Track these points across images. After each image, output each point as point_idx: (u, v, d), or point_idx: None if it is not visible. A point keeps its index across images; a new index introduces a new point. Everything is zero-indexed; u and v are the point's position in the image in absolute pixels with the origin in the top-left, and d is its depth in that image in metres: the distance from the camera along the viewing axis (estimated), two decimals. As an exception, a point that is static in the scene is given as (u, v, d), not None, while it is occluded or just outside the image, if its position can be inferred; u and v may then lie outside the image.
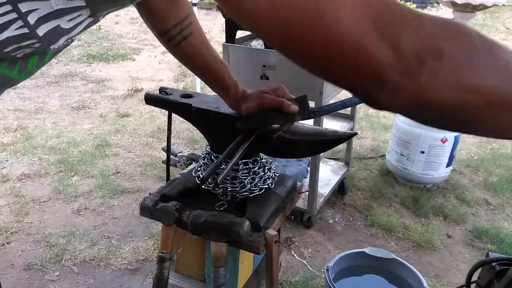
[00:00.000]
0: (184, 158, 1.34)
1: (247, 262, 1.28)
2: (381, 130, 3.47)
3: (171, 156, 1.31)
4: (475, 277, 1.27)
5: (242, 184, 1.03)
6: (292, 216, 2.33)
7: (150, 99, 1.09)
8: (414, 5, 7.63)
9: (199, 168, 1.10)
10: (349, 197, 2.58)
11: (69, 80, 4.49)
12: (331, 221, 2.39)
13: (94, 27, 6.75)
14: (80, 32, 0.56)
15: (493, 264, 1.21)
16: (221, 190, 1.04)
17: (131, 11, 7.49)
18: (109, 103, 3.93)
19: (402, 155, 2.61)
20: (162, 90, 1.09)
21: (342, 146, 2.75)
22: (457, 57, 0.35)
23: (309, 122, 1.06)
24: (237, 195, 1.04)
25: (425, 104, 0.36)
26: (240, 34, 2.10)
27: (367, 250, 1.60)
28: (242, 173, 1.02)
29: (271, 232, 1.00)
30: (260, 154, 1.06)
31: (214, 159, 1.04)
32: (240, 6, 0.36)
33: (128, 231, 2.24)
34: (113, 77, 4.62)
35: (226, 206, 1.04)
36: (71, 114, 3.66)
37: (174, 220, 1.00)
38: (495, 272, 1.19)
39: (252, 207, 1.02)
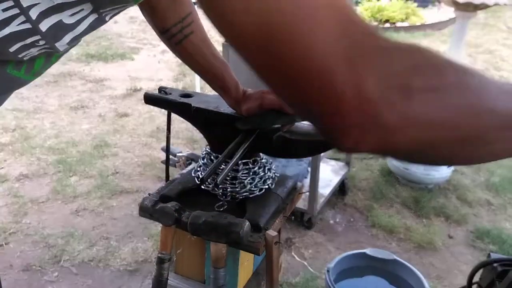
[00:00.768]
0: (183, 158, 1.33)
1: (247, 263, 1.27)
2: (381, 130, 3.46)
3: (171, 156, 1.30)
4: (476, 278, 1.26)
5: (242, 184, 1.02)
6: (293, 217, 2.32)
7: (149, 99, 1.08)
8: (416, 4, 7.62)
9: (198, 168, 1.09)
10: (350, 198, 2.57)
11: (68, 80, 4.48)
12: (331, 221, 2.38)
13: (93, 26, 6.69)
14: (86, 30, 0.55)
15: (495, 265, 1.20)
16: (221, 190, 1.03)
17: (131, 10, 7.46)
18: (108, 103, 3.92)
19: (403, 155, 2.59)
20: (161, 89, 1.08)
21: (343, 146, 2.73)
22: (427, 96, 0.33)
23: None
24: (237, 196, 1.03)
25: (393, 147, 0.34)
26: (240, 33, 2.10)
27: (368, 251, 1.59)
28: (242, 174, 1.01)
29: (271, 233, 0.99)
30: (260, 154, 1.05)
31: (213, 159, 1.03)
32: (213, 5, 0.33)
33: (127, 232, 2.23)
34: (112, 77, 4.61)
35: (226, 206, 1.03)
36: (69, 114, 3.64)
37: (174, 221, 0.99)
38: (496, 273, 1.18)
39: (252, 208, 1.01)
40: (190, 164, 1.32)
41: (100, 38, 6.12)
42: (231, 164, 0.90)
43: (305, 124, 0.98)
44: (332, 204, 2.51)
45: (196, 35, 0.89)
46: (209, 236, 0.95)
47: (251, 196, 1.03)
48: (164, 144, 1.28)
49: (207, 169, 0.94)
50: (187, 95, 1.07)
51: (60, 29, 0.52)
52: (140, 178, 2.73)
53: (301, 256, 2.10)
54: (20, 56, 0.54)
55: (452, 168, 2.64)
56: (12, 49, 0.52)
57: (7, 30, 0.49)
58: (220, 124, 0.99)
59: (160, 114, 3.62)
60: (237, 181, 1.02)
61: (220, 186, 1.02)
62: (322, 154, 2.27)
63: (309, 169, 2.20)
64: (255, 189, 1.03)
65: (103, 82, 4.45)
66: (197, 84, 3.65)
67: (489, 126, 0.35)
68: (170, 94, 1.06)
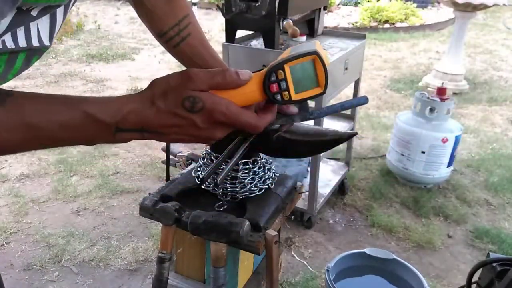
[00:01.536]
0: (183, 158, 1.33)
1: (247, 263, 1.28)
2: (381, 130, 3.46)
3: (171, 156, 1.30)
4: (475, 278, 1.27)
5: (242, 184, 1.02)
6: (292, 217, 2.33)
7: (150, 99, 1.08)
8: (415, 5, 7.63)
9: (198, 168, 1.09)
10: (350, 197, 2.58)
11: (69, 80, 4.49)
12: (331, 221, 2.38)
13: (93, 26, 6.69)
14: (9, 28, 0.52)
15: (494, 264, 1.20)
16: (221, 190, 1.04)
17: (131, 10, 7.46)
18: (109, 103, 3.93)
19: (403, 155, 2.60)
20: (161, 89, 1.08)
21: (343, 146, 2.74)
22: None
23: (309, 122, 1.06)
24: (237, 195, 1.03)
25: None
26: (240, 33, 2.10)
27: (367, 250, 1.59)
28: (242, 173, 1.02)
29: (271, 232, 1.00)
30: (260, 154, 1.06)
31: (213, 159, 1.03)
32: None
33: (127, 232, 2.24)
34: (113, 77, 4.61)
35: (226, 206, 1.04)
36: (70, 114, 3.65)
37: (174, 221, 1.00)
38: (496, 273, 1.19)
39: (252, 207, 1.01)
40: (190, 164, 1.33)
41: (100, 39, 6.13)
42: (231, 164, 0.91)
43: (304, 124, 0.99)
44: (332, 203, 2.52)
45: (193, 37, 0.89)
46: (209, 235, 0.96)
47: (251, 195, 1.04)
48: (164, 144, 1.28)
49: (207, 169, 0.94)
50: (188, 96, 1.07)
51: None
52: (141, 178, 2.74)
53: (301, 255, 2.11)
54: None
55: (452, 168, 2.65)
56: None
57: None
58: (220, 124, 0.99)
59: (160, 114, 3.62)
60: (237, 181, 1.02)
61: (220, 186, 1.03)
62: (321, 154, 2.28)
63: (309, 169, 2.21)
64: (255, 189, 1.04)
65: (104, 82, 4.46)
66: (197, 84, 3.65)
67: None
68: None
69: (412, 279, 1.52)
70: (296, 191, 1.16)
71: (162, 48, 0.91)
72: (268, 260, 1.07)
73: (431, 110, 2.50)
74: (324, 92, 0.55)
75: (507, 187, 2.72)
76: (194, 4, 3.44)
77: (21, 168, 2.79)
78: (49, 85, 4.32)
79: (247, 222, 0.93)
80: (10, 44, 0.53)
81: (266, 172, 1.06)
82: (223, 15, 1.98)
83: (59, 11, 0.58)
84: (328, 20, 7.10)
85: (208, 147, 1.08)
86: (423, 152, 2.50)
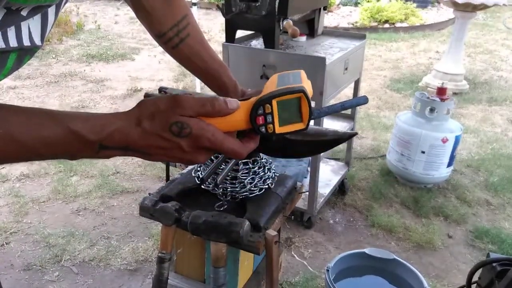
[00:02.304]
0: (183, 158, 1.33)
1: (247, 263, 1.28)
2: (381, 130, 3.46)
3: (171, 156, 1.30)
4: (475, 278, 1.27)
5: (242, 184, 1.02)
6: (292, 216, 2.33)
7: (150, 99, 1.08)
8: (415, 5, 7.63)
9: (198, 168, 1.09)
10: (350, 197, 2.58)
11: (69, 80, 4.49)
12: (331, 221, 2.38)
13: (93, 26, 6.68)
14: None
15: (494, 264, 1.20)
16: (221, 190, 1.04)
17: (131, 11, 7.45)
18: (109, 103, 3.93)
19: (403, 155, 2.60)
20: (161, 89, 1.08)
21: (343, 146, 2.74)
22: None
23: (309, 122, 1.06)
24: (237, 195, 1.03)
25: None
26: (240, 33, 2.10)
27: (367, 250, 1.59)
28: (242, 173, 1.02)
29: (271, 232, 1.00)
30: (260, 154, 1.06)
31: (213, 159, 1.03)
32: None
33: (127, 232, 2.24)
34: (113, 77, 4.61)
35: (226, 206, 1.04)
36: (70, 114, 3.65)
37: (174, 221, 1.00)
38: (496, 273, 1.19)
39: (252, 207, 1.01)
40: (190, 164, 1.33)
41: (100, 39, 6.12)
42: (231, 164, 0.91)
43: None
44: (332, 203, 2.52)
45: (192, 37, 0.89)
46: (209, 235, 0.96)
47: (251, 195, 1.04)
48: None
49: (207, 169, 0.94)
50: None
51: None
52: (141, 178, 2.74)
53: (301, 255, 2.11)
54: None
55: (452, 168, 2.65)
56: None
57: None
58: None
59: (160, 114, 3.62)
60: (237, 181, 1.02)
61: (220, 186, 1.03)
62: (321, 154, 2.28)
63: (309, 169, 2.21)
64: (255, 188, 1.04)
65: (104, 82, 4.46)
66: (197, 84, 3.65)
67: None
68: (170, 94, 1.07)
69: (412, 279, 1.52)
70: (296, 191, 1.16)
71: (162, 48, 0.91)
72: (268, 260, 1.07)
73: (431, 110, 2.50)
74: (305, 128, 0.57)
75: (507, 187, 2.72)
76: (194, 4, 3.44)
77: (21, 168, 2.79)
78: (49, 85, 4.32)
79: (247, 222, 0.93)
80: (0, 44, 0.53)
81: (266, 172, 1.06)
82: (223, 15, 1.98)
83: (51, 11, 0.58)
84: (328, 20, 7.10)
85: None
86: (423, 152, 2.50)
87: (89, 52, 5.40)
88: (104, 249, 2.10)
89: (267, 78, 1.96)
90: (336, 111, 0.83)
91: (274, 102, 0.55)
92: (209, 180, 1.03)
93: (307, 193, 2.18)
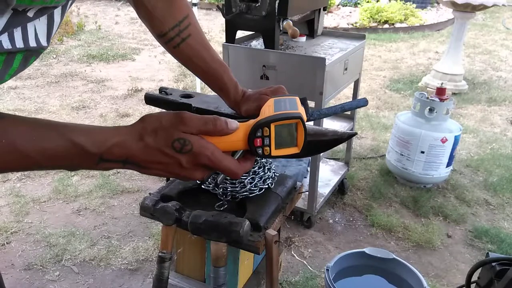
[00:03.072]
0: (184, 158, 1.34)
1: (247, 262, 1.28)
2: (381, 130, 3.47)
3: (171, 156, 1.31)
4: (475, 277, 1.27)
5: (242, 184, 1.03)
6: (292, 216, 2.34)
7: (150, 99, 1.09)
8: (414, 5, 7.63)
9: (199, 168, 1.10)
10: (349, 197, 2.59)
11: (69, 80, 4.49)
12: (331, 221, 2.39)
13: (93, 26, 6.68)
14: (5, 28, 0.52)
15: (493, 264, 1.21)
16: (221, 190, 1.05)
17: (131, 11, 7.49)
18: (109, 103, 3.93)
19: (402, 155, 2.61)
20: (162, 90, 1.09)
21: (342, 146, 2.75)
22: None
23: (309, 122, 1.06)
24: (237, 195, 1.04)
25: None
26: (240, 34, 2.11)
27: (367, 250, 1.60)
28: (242, 173, 1.02)
29: (271, 232, 1.00)
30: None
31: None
32: None
33: (128, 231, 2.24)
34: (113, 77, 4.62)
35: (226, 206, 1.04)
36: (71, 114, 3.66)
37: (174, 220, 1.00)
38: (495, 272, 1.20)
39: (252, 207, 1.02)
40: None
41: (101, 39, 6.13)
42: (231, 164, 0.91)
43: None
44: (332, 203, 2.53)
45: (193, 37, 0.89)
46: (209, 235, 0.96)
47: (251, 195, 1.04)
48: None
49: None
50: (188, 96, 1.08)
51: None
52: (141, 177, 2.74)
53: (301, 255, 2.12)
54: None
55: (451, 167, 2.65)
56: None
57: None
58: (220, 125, 1.00)
59: (160, 114, 3.63)
60: (237, 181, 1.03)
61: (220, 185, 1.04)
62: (321, 154, 2.28)
63: (309, 168, 2.22)
64: (255, 188, 1.04)
65: (104, 82, 4.46)
66: (197, 84, 3.66)
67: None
68: (171, 94, 1.08)
69: (411, 278, 1.52)
70: (296, 191, 1.17)
71: (162, 49, 0.92)
72: (268, 260, 1.08)
73: (431, 110, 2.50)
74: (299, 154, 0.61)
75: (506, 187, 2.72)
76: (194, 4, 3.45)
77: (21, 168, 2.79)
78: (50, 85, 4.33)
79: (247, 222, 0.94)
80: (7, 45, 0.53)
81: (266, 172, 1.07)
82: (223, 15, 1.99)
83: (57, 12, 0.59)
84: (327, 20, 7.11)
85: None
86: (423, 152, 2.51)
87: (89, 52, 5.41)
88: (105, 249, 2.10)
89: (267, 79, 1.97)
90: (335, 113, 0.83)
91: (272, 126, 0.58)
92: (209, 180, 1.04)
93: (307, 193, 2.19)
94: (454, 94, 4.23)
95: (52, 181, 2.67)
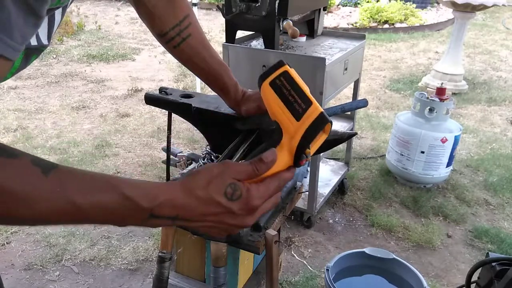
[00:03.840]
0: (184, 158, 1.34)
1: (247, 262, 1.28)
2: (381, 130, 3.47)
3: (171, 156, 1.31)
4: (475, 277, 1.27)
5: (242, 184, 1.03)
6: (292, 216, 2.34)
7: (150, 99, 1.09)
8: (414, 5, 7.63)
9: (199, 168, 1.10)
10: (349, 197, 2.59)
11: (69, 80, 4.49)
12: (331, 221, 2.39)
13: (93, 26, 6.68)
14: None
15: (493, 264, 1.21)
16: (221, 190, 1.04)
17: (131, 11, 7.49)
18: (109, 103, 3.93)
19: (402, 155, 2.61)
20: (162, 90, 1.09)
21: (342, 146, 2.75)
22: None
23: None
24: (237, 195, 1.04)
25: None
26: (240, 34, 2.11)
27: (367, 250, 1.60)
28: (242, 173, 1.02)
29: (271, 232, 1.00)
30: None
31: (214, 159, 1.04)
32: None
33: (128, 231, 2.24)
34: (113, 77, 4.62)
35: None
36: (71, 114, 3.66)
37: (174, 220, 1.00)
38: (495, 272, 1.20)
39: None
40: (190, 164, 1.33)
41: (101, 39, 6.13)
42: (231, 164, 0.91)
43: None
44: (332, 203, 2.53)
45: (194, 37, 0.89)
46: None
47: (251, 195, 1.04)
48: (164, 144, 1.29)
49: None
50: (188, 96, 1.08)
51: None
52: (141, 178, 2.74)
53: (301, 255, 2.12)
54: None
55: (451, 167, 2.65)
56: None
57: None
58: (220, 125, 1.00)
59: (160, 114, 3.63)
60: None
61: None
62: (321, 154, 2.28)
63: (309, 169, 2.22)
64: (255, 188, 1.04)
65: (104, 82, 4.46)
66: (197, 84, 3.66)
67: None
68: (171, 94, 1.07)
69: (411, 278, 1.52)
70: (296, 191, 1.17)
71: (162, 49, 0.92)
72: (268, 260, 1.08)
73: (431, 110, 2.50)
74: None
75: (506, 187, 2.72)
76: (195, 4, 3.45)
77: (21, 168, 2.79)
78: (50, 85, 4.33)
79: (247, 222, 0.94)
80: None
81: (266, 172, 1.06)
82: (223, 15, 1.99)
83: (58, 11, 0.59)
84: (327, 20, 7.11)
85: (209, 146, 1.08)
86: (423, 152, 2.51)
87: (89, 52, 5.41)
88: (105, 249, 2.10)
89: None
90: (335, 113, 0.83)
91: (312, 146, 0.58)
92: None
93: (307, 193, 2.19)
94: (454, 94, 4.23)
95: (52, 181, 2.67)
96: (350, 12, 7.80)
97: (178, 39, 0.88)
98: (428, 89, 4.25)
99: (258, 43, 2.20)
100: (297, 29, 1.97)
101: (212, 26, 7.00)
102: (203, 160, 1.08)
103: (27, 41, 0.46)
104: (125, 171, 2.80)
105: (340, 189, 2.61)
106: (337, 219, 2.41)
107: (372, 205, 2.51)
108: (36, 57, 0.62)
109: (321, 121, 0.57)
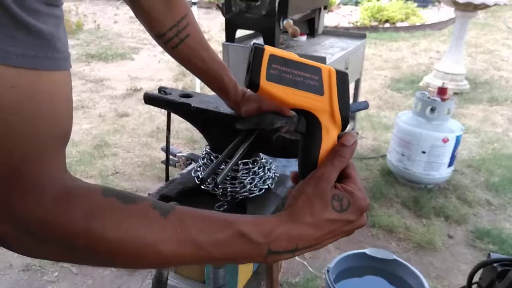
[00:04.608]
0: (183, 158, 1.33)
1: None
2: (382, 130, 3.46)
3: (170, 156, 1.30)
4: (476, 278, 1.26)
5: (241, 184, 1.02)
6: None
7: (149, 99, 1.08)
8: (415, 4, 7.62)
9: (198, 168, 1.09)
10: (350, 197, 2.57)
11: (69, 80, 4.48)
12: (331, 221, 2.38)
13: (92, 25, 6.69)
14: None
15: (495, 265, 1.20)
16: (221, 190, 1.03)
17: (131, 10, 7.47)
18: (108, 103, 3.92)
19: (403, 155, 2.59)
20: (161, 89, 1.08)
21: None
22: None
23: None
24: (237, 196, 1.03)
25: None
26: (240, 33, 2.10)
27: (368, 251, 1.59)
28: (242, 173, 1.01)
29: (271, 233, 0.99)
30: (260, 154, 1.05)
31: (213, 159, 1.03)
32: None
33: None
34: (112, 77, 4.61)
35: (225, 206, 1.03)
36: (70, 114, 3.65)
37: (173, 221, 0.99)
38: (496, 273, 1.18)
39: (251, 208, 1.01)
40: (190, 164, 1.32)
41: (100, 38, 6.12)
42: (231, 164, 0.90)
43: (304, 125, 0.98)
44: (332, 204, 2.52)
45: (192, 38, 0.88)
46: (209, 236, 0.95)
47: (251, 196, 1.03)
48: (164, 144, 1.28)
49: (207, 169, 0.94)
50: (187, 95, 1.07)
51: None
52: (140, 178, 2.73)
53: (301, 256, 2.11)
54: None
55: (452, 168, 2.64)
56: None
57: None
58: (220, 124, 0.99)
59: (160, 114, 3.62)
60: (237, 181, 1.02)
61: (220, 186, 1.02)
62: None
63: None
64: (255, 189, 1.03)
65: (103, 82, 4.45)
66: (197, 84, 3.65)
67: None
68: (170, 94, 1.06)
69: (412, 279, 1.51)
70: (296, 191, 1.16)
71: (161, 48, 0.91)
72: (268, 261, 1.07)
73: (432, 110, 2.49)
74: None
75: (508, 187, 2.71)
76: (194, 3, 3.44)
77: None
78: (49, 84, 4.32)
79: (247, 223, 0.93)
80: None
81: (266, 172, 1.05)
82: (223, 14, 1.97)
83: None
84: (328, 19, 7.10)
85: (208, 147, 1.07)
86: (424, 152, 2.50)
87: (88, 51, 5.40)
88: (104, 249, 2.09)
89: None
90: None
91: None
92: (209, 180, 1.02)
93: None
94: (455, 93, 4.22)
95: (51, 181, 2.66)
96: (351, 11, 7.79)
97: (177, 40, 0.87)
98: (429, 88, 4.22)
99: (258, 43, 2.19)
100: (297, 28, 1.96)
101: (212, 25, 6.99)
102: (203, 160, 1.07)
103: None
104: (124, 171, 2.79)
105: (341, 189, 2.60)
106: (337, 220, 2.40)
107: (373, 205, 2.50)
108: None
109: (343, 78, 0.51)
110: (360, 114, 3.64)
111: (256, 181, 1.03)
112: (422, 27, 7.10)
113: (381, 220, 2.34)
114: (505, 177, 2.81)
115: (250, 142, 0.93)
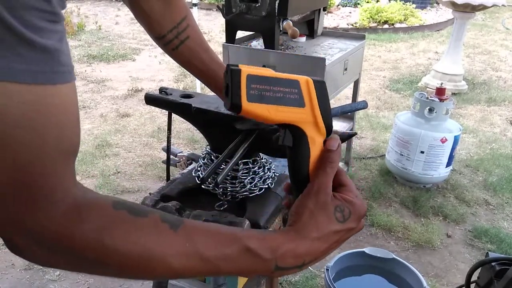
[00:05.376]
0: (184, 158, 1.34)
1: (247, 262, 1.28)
2: (380, 130, 3.47)
3: (171, 156, 1.31)
4: (474, 277, 1.27)
5: (242, 184, 1.03)
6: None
7: (150, 99, 1.09)
8: (414, 6, 7.64)
9: (199, 168, 1.10)
10: (349, 197, 2.58)
11: (69, 80, 4.49)
12: (331, 221, 2.39)
13: (94, 27, 6.68)
14: None
15: (493, 264, 1.21)
16: (221, 190, 1.05)
17: (131, 12, 7.46)
18: (110, 103, 3.94)
19: (402, 155, 2.61)
20: (162, 90, 1.09)
21: (342, 146, 2.74)
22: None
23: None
24: (237, 195, 1.04)
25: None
26: (240, 34, 2.11)
27: (367, 250, 1.60)
28: (242, 173, 1.02)
29: (271, 231, 1.00)
30: (260, 154, 1.06)
31: (214, 159, 1.04)
32: None
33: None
34: (113, 77, 4.62)
35: (226, 206, 1.04)
36: (71, 114, 3.66)
37: (174, 220, 1.00)
38: (494, 272, 1.20)
39: (252, 207, 1.02)
40: (190, 164, 1.33)
41: (101, 39, 6.14)
42: (231, 164, 0.92)
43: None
44: (332, 203, 2.53)
45: (192, 39, 0.89)
46: (209, 234, 0.96)
47: (251, 195, 1.04)
48: (165, 144, 1.29)
49: (208, 169, 0.95)
50: (188, 96, 1.08)
51: None
52: (141, 177, 2.75)
53: (301, 255, 2.12)
54: None
55: (451, 167, 2.66)
56: None
57: None
58: (220, 125, 1.00)
59: (161, 114, 3.63)
60: (237, 181, 1.03)
61: (220, 185, 1.04)
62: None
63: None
64: (255, 188, 1.04)
65: (105, 82, 4.47)
66: (197, 84, 3.66)
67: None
68: (171, 94, 1.08)
69: (411, 278, 1.53)
70: (295, 190, 1.17)
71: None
72: (268, 259, 1.08)
73: (430, 110, 2.51)
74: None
75: (506, 187, 2.73)
76: (195, 5, 3.45)
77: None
78: (50, 85, 4.33)
79: (247, 222, 0.94)
80: None
81: (266, 172, 1.07)
82: (223, 16, 1.99)
83: None
84: (327, 20, 7.12)
85: (209, 147, 1.09)
86: (422, 152, 2.51)
87: (90, 52, 5.41)
88: (105, 249, 2.10)
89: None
90: (335, 115, 0.83)
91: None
92: (209, 180, 1.04)
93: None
94: (453, 94, 4.23)
95: (52, 181, 2.67)
96: (350, 12, 7.81)
97: (177, 42, 0.87)
98: (427, 89, 4.25)
99: (258, 43, 2.20)
100: (297, 29, 1.98)
101: (212, 26, 7.00)
102: (203, 160, 1.08)
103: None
104: (125, 171, 2.80)
105: (340, 189, 2.61)
106: (337, 219, 2.41)
107: (372, 205, 2.51)
108: None
109: (321, 86, 0.52)
110: (359, 114, 3.66)
111: (256, 180, 1.05)
112: (421, 28, 7.11)
113: (380, 219, 2.35)
114: (503, 177, 2.83)
115: (250, 142, 0.95)
